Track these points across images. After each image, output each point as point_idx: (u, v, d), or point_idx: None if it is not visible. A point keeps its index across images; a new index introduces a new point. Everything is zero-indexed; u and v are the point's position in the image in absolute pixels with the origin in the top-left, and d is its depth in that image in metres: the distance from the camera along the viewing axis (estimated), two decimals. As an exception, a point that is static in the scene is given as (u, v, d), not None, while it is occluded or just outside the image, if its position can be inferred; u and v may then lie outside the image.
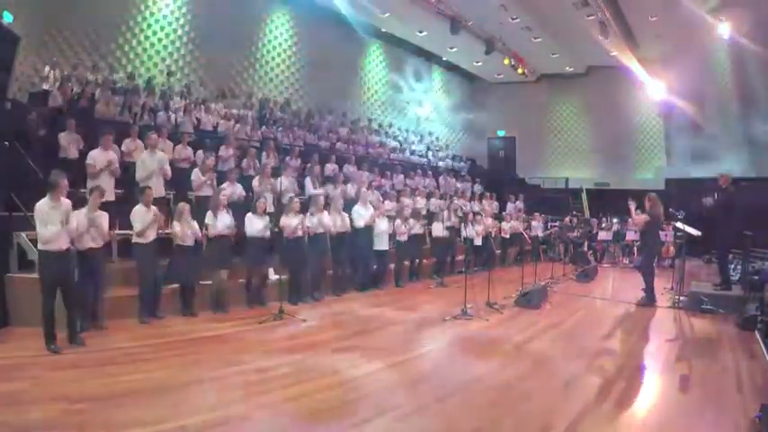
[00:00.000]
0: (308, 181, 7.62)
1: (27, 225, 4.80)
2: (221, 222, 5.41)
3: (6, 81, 7.70)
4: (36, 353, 3.74)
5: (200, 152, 6.99)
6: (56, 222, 3.84)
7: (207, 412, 2.86)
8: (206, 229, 5.36)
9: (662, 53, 14.33)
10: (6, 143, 5.37)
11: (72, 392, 3.04)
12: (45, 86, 8.33)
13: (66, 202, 4.01)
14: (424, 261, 8.47)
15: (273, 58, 13.28)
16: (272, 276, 5.87)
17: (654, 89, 15.26)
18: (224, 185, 6.07)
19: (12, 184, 5.12)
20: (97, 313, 4.55)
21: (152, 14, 10.90)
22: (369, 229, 7.07)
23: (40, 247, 3.90)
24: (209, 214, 5.42)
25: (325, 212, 6.48)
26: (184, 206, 5.28)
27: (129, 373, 3.42)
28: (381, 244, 7.30)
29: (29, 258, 4.74)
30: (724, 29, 11.77)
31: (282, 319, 5.10)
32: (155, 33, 10.96)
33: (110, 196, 5.37)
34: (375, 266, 7.28)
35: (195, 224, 5.29)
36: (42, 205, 3.84)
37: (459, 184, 12.49)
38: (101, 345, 4.03)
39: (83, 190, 5.27)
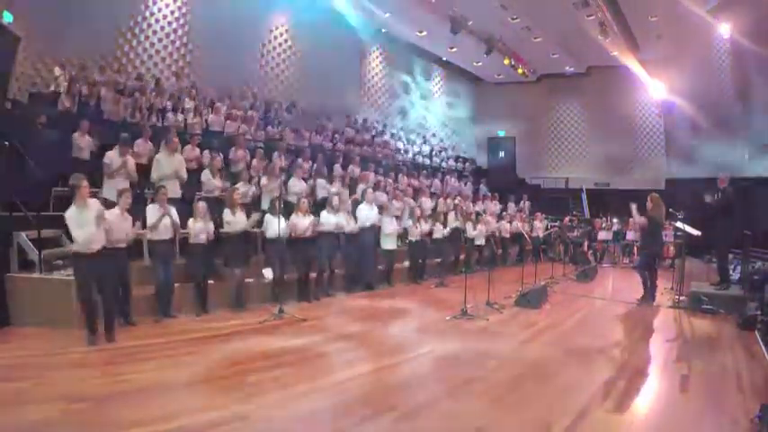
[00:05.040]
0: (320, 182, 7.68)
1: (27, 225, 4.81)
2: (239, 219, 5.45)
3: (6, 81, 7.71)
4: (36, 353, 3.74)
5: (206, 152, 7.03)
6: (89, 223, 3.90)
7: (207, 412, 2.85)
8: (224, 226, 5.40)
9: (662, 53, 14.33)
10: (6, 143, 5.37)
11: (72, 392, 3.04)
12: (53, 87, 8.31)
13: (95, 203, 4.09)
14: (426, 261, 8.48)
15: (273, 58, 13.29)
16: (269, 276, 5.88)
17: (654, 89, 15.27)
18: (238, 185, 6.12)
19: (12, 184, 5.13)
20: (128, 310, 4.65)
21: (152, 14, 10.90)
22: (373, 229, 7.09)
23: (73, 248, 4.00)
24: (227, 211, 5.46)
25: (332, 213, 6.52)
26: (201, 205, 5.31)
27: (129, 373, 3.42)
28: (389, 243, 7.32)
29: (29, 258, 4.75)
30: (724, 29, 11.78)
31: (282, 319, 5.11)
32: (155, 33, 10.96)
33: None
34: (380, 266, 7.29)
35: (211, 223, 5.34)
36: (71, 212, 3.93)
37: (462, 185, 12.50)
38: (101, 345, 4.03)
39: (94, 190, 5.30)
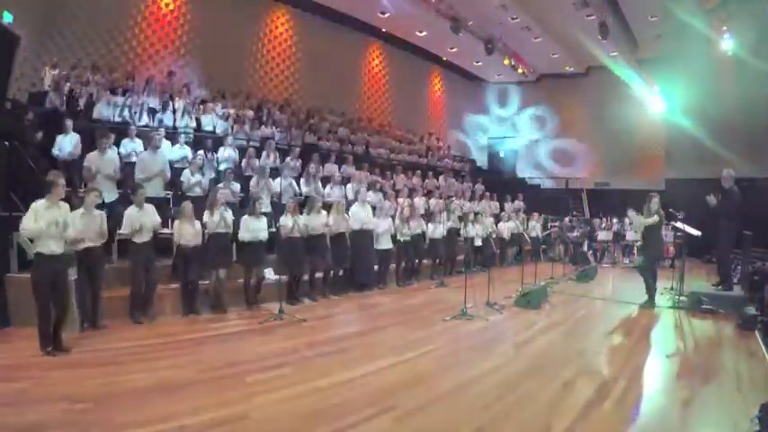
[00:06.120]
0: (303, 181, 7.64)
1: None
2: (219, 220, 5.42)
3: (6, 81, 7.68)
4: (36, 353, 3.74)
5: (200, 153, 7.02)
6: (46, 223, 3.77)
7: (207, 412, 2.85)
8: (204, 228, 5.37)
9: (662, 53, 14.33)
10: (6, 143, 5.36)
11: (72, 392, 3.04)
12: (44, 86, 8.31)
13: (65, 207, 3.98)
14: (424, 261, 8.47)
15: (273, 58, 13.28)
16: (270, 277, 5.88)
17: (653, 88, 15.26)
18: (220, 185, 6.10)
19: (11, 183, 5.12)
20: (97, 313, 4.57)
21: (151, 14, 10.91)
22: (368, 229, 7.07)
23: (36, 248, 3.85)
24: (207, 213, 5.43)
25: (323, 212, 6.49)
26: (188, 206, 5.29)
27: (129, 373, 3.42)
28: (384, 243, 7.31)
29: (29, 258, 4.74)
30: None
31: (282, 320, 5.11)
32: (154, 33, 10.96)
33: (112, 196, 5.40)
34: (376, 266, 7.27)
35: (198, 224, 5.30)
36: (37, 204, 3.82)
37: (459, 185, 12.48)
38: (101, 345, 4.04)
39: (81, 191, 5.28)
